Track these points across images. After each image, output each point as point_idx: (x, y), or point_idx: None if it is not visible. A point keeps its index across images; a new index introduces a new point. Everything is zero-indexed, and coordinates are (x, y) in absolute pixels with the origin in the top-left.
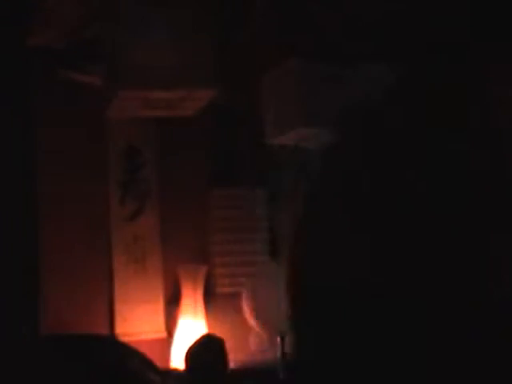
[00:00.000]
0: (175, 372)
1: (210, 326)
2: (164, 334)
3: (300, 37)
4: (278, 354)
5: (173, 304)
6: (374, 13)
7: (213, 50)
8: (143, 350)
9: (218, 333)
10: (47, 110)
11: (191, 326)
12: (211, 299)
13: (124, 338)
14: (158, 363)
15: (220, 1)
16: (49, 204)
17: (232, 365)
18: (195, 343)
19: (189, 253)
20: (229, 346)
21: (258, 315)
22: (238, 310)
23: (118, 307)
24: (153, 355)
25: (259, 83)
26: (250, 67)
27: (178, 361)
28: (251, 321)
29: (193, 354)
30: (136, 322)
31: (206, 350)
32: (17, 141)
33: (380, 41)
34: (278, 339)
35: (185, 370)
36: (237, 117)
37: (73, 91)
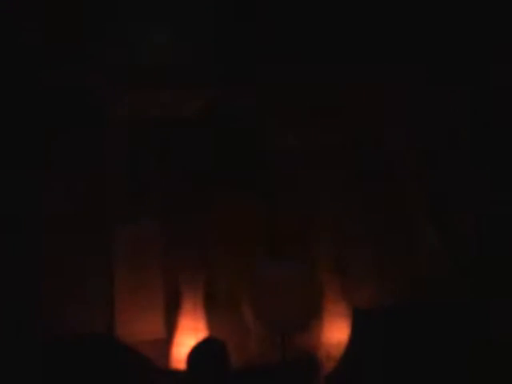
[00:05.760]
0: (176, 373)
1: (210, 327)
2: (164, 335)
3: None
4: (279, 354)
5: (173, 305)
6: None
7: (213, 50)
8: (143, 351)
9: (218, 334)
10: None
11: (191, 327)
12: (211, 300)
13: (124, 339)
14: (158, 364)
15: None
16: (50, 205)
17: (233, 366)
18: (197, 346)
19: (189, 254)
20: (229, 347)
21: (258, 316)
22: (238, 312)
23: (119, 308)
24: (153, 356)
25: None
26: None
27: (177, 362)
28: (251, 322)
29: (195, 357)
30: (136, 323)
31: (207, 354)
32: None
33: None
34: (279, 340)
35: (186, 373)
36: (236, 117)
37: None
